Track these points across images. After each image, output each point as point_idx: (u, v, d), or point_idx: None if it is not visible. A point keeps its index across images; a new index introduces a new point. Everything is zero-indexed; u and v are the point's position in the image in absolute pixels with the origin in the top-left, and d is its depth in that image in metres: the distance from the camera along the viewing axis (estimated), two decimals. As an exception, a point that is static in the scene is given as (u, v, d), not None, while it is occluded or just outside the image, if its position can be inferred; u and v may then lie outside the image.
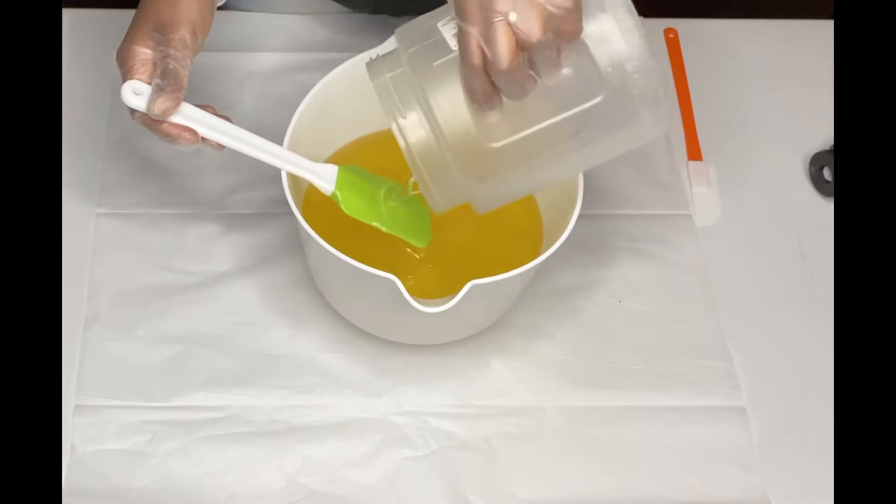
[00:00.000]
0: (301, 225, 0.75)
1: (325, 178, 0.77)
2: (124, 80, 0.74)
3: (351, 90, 0.82)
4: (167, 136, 0.74)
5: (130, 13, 0.99)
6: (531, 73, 0.66)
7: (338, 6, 0.99)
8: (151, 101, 0.72)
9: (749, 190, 0.95)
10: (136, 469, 0.78)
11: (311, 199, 0.83)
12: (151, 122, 0.74)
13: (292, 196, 0.76)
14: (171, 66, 0.73)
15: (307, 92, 0.80)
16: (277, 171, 0.77)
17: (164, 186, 0.90)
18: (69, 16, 0.99)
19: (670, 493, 0.79)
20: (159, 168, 0.91)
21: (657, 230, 0.91)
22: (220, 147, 0.76)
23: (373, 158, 0.83)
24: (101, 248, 0.87)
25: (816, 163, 0.95)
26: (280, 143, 0.78)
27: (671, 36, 1.03)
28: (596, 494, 0.79)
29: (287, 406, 0.81)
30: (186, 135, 0.74)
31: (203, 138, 0.75)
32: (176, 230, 0.88)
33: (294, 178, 0.77)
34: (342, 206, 0.77)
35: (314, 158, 0.78)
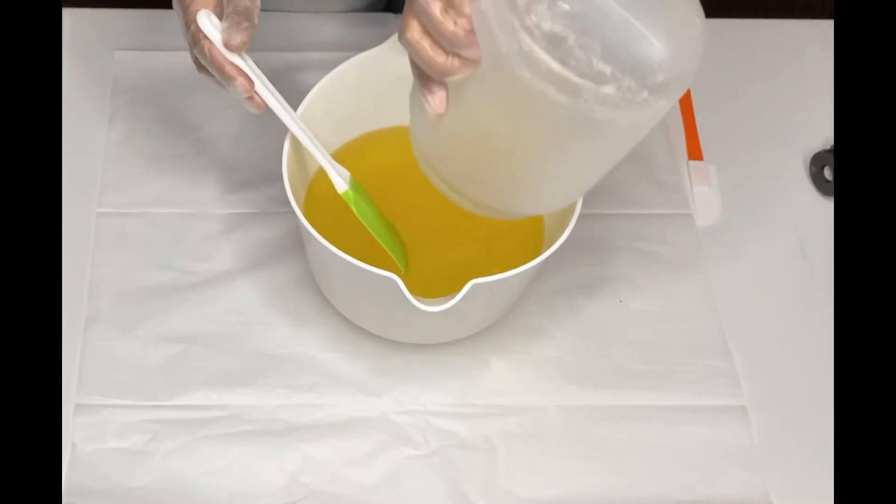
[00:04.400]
0: (302, 224, 0.75)
1: (342, 176, 0.77)
2: (187, 11, 0.71)
3: (352, 89, 0.82)
4: (226, 76, 0.71)
5: (131, 13, 1.00)
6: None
7: (338, 5, 1.00)
8: (230, 32, 0.69)
9: (750, 189, 0.95)
10: (136, 468, 0.78)
11: (312, 198, 0.83)
12: (216, 57, 0.71)
13: (293, 195, 0.76)
14: (243, 4, 0.70)
15: (307, 92, 0.80)
16: (279, 171, 0.76)
17: (164, 186, 0.90)
18: (69, 16, 0.99)
19: (671, 493, 0.79)
20: (160, 167, 0.91)
21: (658, 230, 0.91)
22: (262, 108, 0.73)
23: (374, 156, 0.83)
24: (101, 247, 0.87)
25: (817, 162, 0.95)
26: (282, 140, 0.78)
27: (671, 36, 1.03)
28: (597, 493, 0.79)
29: (288, 405, 0.81)
30: (243, 80, 0.71)
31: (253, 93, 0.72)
32: (177, 229, 0.88)
33: (294, 178, 0.77)
34: (353, 207, 0.77)
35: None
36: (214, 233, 0.88)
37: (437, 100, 0.66)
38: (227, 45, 0.70)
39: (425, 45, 0.63)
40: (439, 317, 0.72)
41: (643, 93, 0.61)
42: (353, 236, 0.77)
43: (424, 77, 0.66)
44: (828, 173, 0.94)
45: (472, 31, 0.62)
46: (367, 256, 0.73)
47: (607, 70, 0.60)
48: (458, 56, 0.63)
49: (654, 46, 0.62)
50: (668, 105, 0.64)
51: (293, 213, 0.75)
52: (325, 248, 0.73)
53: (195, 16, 0.70)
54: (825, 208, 0.94)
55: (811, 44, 1.03)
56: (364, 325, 0.83)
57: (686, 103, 0.99)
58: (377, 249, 0.78)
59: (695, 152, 0.96)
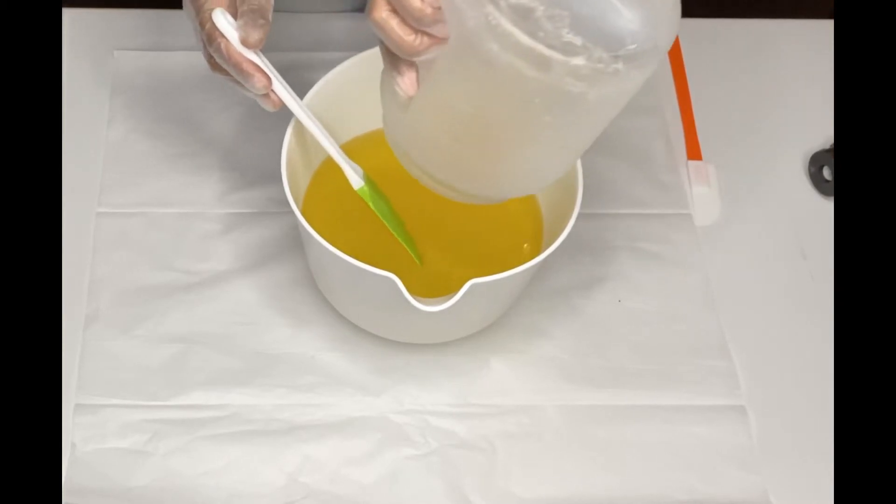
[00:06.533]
0: (301, 224, 0.75)
1: (357, 173, 0.77)
2: (201, 10, 0.71)
3: (351, 89, 0.82)
4: (244, 74, 0.71)
5: (131, 13, 1.00)
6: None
7: (338, 5, 0.99)
8: (246, 29, 0.69)
9: (749, 189, 0.95)
10: (136, 468, 0.78)
11: (312, 198, 0.83)
12: (233, 55, 0.71)
13: (292, 195, 0.76)
14: (258, 1, 0.70)
15: (307, 92, 0.80)
16: (278, 171, 0.76)
17: (164, 186, 0.90)
18: (69, 16, 0.99)
19: (670, 492, 0.79)
20: (159, 167, 0.91)
21: (657, 230, 0.91)
22: (278, 105, 0.73)
23: (373, 156, 0.83)
24: (101, 247, 0.87)
25: (816, 162, 0.95)
26: (281, 140, 0.78)
27: (671, 36, 1.03)
28: (596, 493, 0.79)
29: (287, 405, 0.81)
30: (261, 76, 0.71)
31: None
32: (176, 229, 0.88)
33: (293, 178, 0.77)
34: (369, 203, 0.77)
35: (315, 156, 0.79)
36: (214, 233, 0.88)
37: (406, 81, 0.65)
38: (244, 43, 0.70)
39: (393, 24, 0.62)
40: (438, 316, 0.73)
41: (615, 63, 0.59)
42: (353, 236, 0.77)
43: (394, 58, 0.65)
44: (827, 173, 0.94)
45: (439, 8, 0.61)
46: (366, 256, 0.73)
47: (577, 41, 0.59)
48: (427, 34, 0.62)
49: (625, 16, 0.60)
50: (642, 76, 0.62)
51: (292, 213, 0.75)
52: (325, 248, 0.73)
53: (210, 14, 0.70)
54: (824, 208, 0.94)
55: (811, 44, 1.03)
56: (363, 325, 0.83)
57: (686, 103, 0.99)
58: (377, 249, 0.78)
59: (694, 152, 0.96)
